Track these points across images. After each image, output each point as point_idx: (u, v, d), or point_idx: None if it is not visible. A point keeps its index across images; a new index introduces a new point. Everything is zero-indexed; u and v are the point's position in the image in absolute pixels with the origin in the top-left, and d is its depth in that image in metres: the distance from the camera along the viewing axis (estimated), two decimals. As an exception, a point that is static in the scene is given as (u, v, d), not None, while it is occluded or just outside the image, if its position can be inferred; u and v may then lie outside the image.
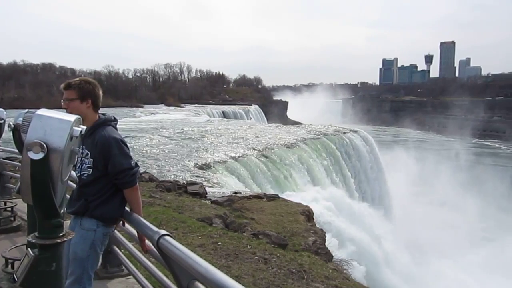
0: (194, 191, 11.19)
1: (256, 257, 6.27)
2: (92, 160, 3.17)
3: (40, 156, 2.31)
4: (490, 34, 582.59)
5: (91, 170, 3.17)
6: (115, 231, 3.67)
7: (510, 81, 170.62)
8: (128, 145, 3.34)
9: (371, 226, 21.14)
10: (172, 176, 16.03)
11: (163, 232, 2.52)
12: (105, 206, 3.16)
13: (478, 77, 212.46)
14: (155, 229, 2.65)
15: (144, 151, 22.31)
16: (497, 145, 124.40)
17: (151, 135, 29.56)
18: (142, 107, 79.64)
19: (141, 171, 13.92)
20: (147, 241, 3.11)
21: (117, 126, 3.40)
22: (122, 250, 4.48)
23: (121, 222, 3.37)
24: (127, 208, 3.26)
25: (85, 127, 2.64)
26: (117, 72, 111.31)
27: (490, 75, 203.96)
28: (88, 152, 3.19)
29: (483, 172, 69.35)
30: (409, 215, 35.75)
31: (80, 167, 3.22)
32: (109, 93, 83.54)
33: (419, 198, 43.66)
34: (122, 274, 4.62)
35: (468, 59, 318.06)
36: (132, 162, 3.19)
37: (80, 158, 3.21)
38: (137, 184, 3.25)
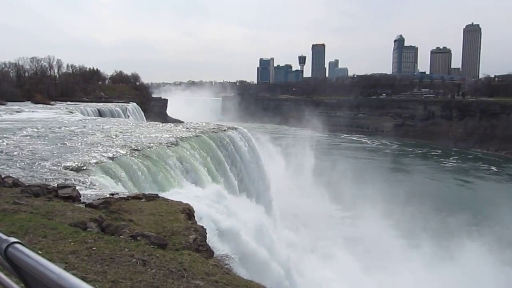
0: (66, 195, 10.56)
1: (134, 260, 6.15)
2: None
3: None
4: (355, 39, 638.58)
5: None
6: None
7: (372, 82, 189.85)
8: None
9: (253, 219, 21.75)
10: (41, 180, 14.77)
11: (12, 239, 2.22)
12: None
13: (345, 78, 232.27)
14: (4, 237, 2.34)
15: (6, 154, 20.14)
16: (363, 140, 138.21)
17: (15, 135, 26.85)
18: (4, 104, 71.72)
19: (3, 175, 12.55)
20: None
21: None
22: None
23: None
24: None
25: None
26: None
27: (355, 76, 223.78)
28: None
29: (352, 164, 76.82)
30: (286, 205, 38.50)
31: None
32: (-37, 89, 74.21)
33: (295, 190, 47.19)
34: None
35: (337, 61, 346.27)
36: None
37: None
38: None
